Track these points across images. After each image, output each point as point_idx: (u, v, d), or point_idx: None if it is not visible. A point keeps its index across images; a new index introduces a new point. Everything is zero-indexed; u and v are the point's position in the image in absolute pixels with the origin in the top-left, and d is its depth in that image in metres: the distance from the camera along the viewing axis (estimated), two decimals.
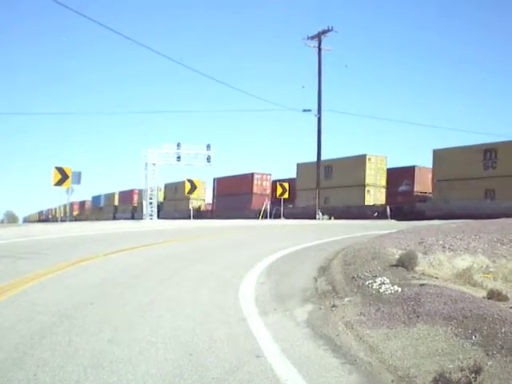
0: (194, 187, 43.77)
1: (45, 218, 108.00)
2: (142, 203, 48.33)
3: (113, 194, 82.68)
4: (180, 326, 5.63)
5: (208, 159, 46.37)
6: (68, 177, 32.53)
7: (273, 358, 4.57)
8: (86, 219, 71.86)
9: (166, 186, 70.66)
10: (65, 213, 45.19)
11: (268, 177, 57.07)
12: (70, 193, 34.62)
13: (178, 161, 45.94)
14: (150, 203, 45.86)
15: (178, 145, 45.76)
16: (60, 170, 32.49)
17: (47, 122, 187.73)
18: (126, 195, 77.27)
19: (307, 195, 46.28)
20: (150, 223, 36.44)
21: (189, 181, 44.71)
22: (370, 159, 43.42)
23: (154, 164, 45.70)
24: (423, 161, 61.74)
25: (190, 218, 44.30)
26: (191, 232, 23.17)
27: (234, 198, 55.74)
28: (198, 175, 51.74)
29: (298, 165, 50.91)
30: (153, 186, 46.67)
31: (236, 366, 4.38)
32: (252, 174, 56.34)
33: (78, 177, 33.95)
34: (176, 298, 7.27)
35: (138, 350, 4.78)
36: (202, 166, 47.49)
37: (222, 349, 4.85)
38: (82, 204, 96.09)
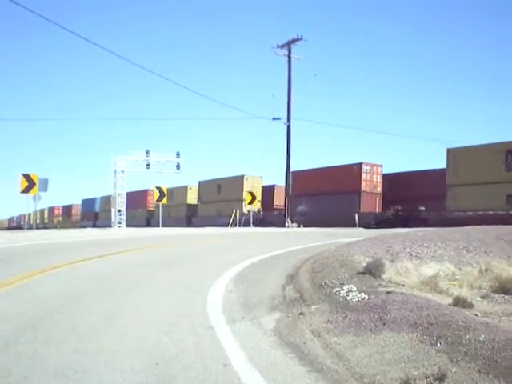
0: (162, 195, 43.36)
1: (16, 224, 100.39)
2: (158, 207, 46.74)
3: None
4: (147, 335, 5.58)
5: (177, 167, 46.35)
6: (35, 184, 32.08)
7: (240, 367, 4.56)
8: (69, 227, 59.76)
9: (201, 184, 56.06)
10: (35, 220, 44.37)
11: (379, 169, 42.67)
12: (37, 200, 34.17)
13: (148, 168, 45.85)
14: (119, 210, 45.54)
15: (147, 152, 45.63)
16: (27, 176, 32.01)
17: (15, 127, 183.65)
18: (137, 197, 60.47)
19: (466, 192, 33.67)
20: (119, 231, 36.09)
21: (157, 188, 44.24)
22: None
23: (122, 171, 45.46)
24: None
25: (249, 224, 42.19)
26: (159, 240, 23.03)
27: (324, 198, 41.64)
28: (168, 183, 49.40)
29: (450, 150, 36.61)
30: (122, 193, 46.31)
31: (203, 374, 4.35)
32: (360, 165, 41.88)
33: (44, 184, 33.54)
34: (144, 306, 7.20)
35: (104, 359, 4.72)
36: (171, 174, 47.44)
37: (189, 357, 4.82)
38: (67, 209, 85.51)
